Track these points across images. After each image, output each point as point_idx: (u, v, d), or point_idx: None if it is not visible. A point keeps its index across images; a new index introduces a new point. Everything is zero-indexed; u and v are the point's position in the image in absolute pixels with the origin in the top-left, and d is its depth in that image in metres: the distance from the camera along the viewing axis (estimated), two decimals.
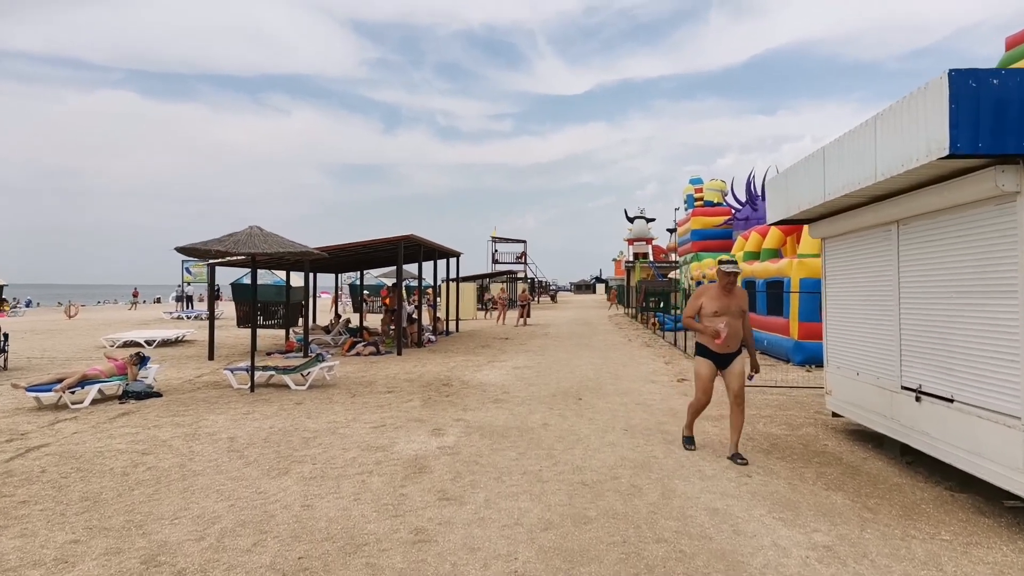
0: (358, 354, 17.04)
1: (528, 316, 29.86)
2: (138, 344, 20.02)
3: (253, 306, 11.85)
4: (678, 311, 22.43)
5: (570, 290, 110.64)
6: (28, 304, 54.10)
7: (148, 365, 11.46)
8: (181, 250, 10.59)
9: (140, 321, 31.86)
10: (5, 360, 14.61)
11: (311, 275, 27.05)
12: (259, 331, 25.91)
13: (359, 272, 28.33)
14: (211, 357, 16.40)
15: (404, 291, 20.76)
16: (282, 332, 23.59)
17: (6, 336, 14.95)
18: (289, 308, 21.09)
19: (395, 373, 13.55)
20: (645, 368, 14.20)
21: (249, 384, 11.40)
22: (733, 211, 31.60)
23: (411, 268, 30.61)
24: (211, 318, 16.69)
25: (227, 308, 41.19)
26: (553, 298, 67.10)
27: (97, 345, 19.92)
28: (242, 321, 27.42)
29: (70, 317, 34.94)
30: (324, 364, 11.94)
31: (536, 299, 58.05)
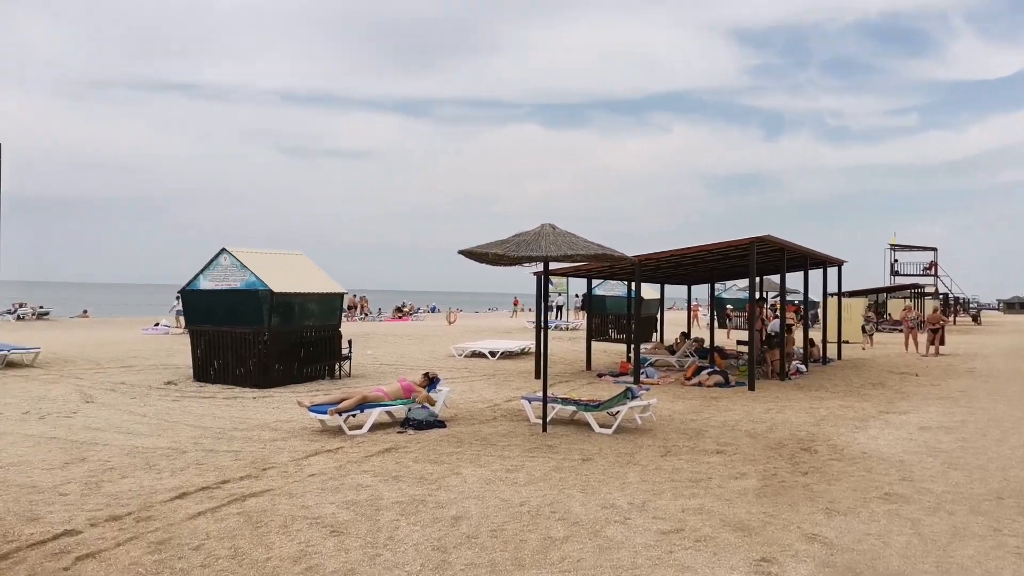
0: (700, 384, 13.84)
1: (942, 343, 23.02)
2: (481, 355, 19.63)
3: (542, 317, 9.57)
4: None
5: (997, 308, 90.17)
6: (433, 310, 61.73)
7: (438, 388, 9.96)
8: (463, 253, 8.80)
9: (505, 330, 32.88)
10: (349, 366, 14.85)
11: (659, 286, 24.43)
12: (606, 346, 24.18)
13: (710, 284, 24.89)
14: (537, 375, 14.79)
15: (767, 306, 16.89)
16: (628, 349, 21.42)
17: (350, 342, 15.24)
18: (640, 322, 18.82)
19: (736, 419, 10.10)
20: None
21: (542, 420, 9.14)
22: None
23: (775, 279, 26.04)
24: (542, 331, 15.13)
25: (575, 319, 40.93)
26: (975, 319, 54.14)
27: (446, 354, 20.05)
28: (595, 334, 26.11)
29: (450, 323, 37.91)
30: (634, 403, 9.12)
31: (952, 319, 47.06)
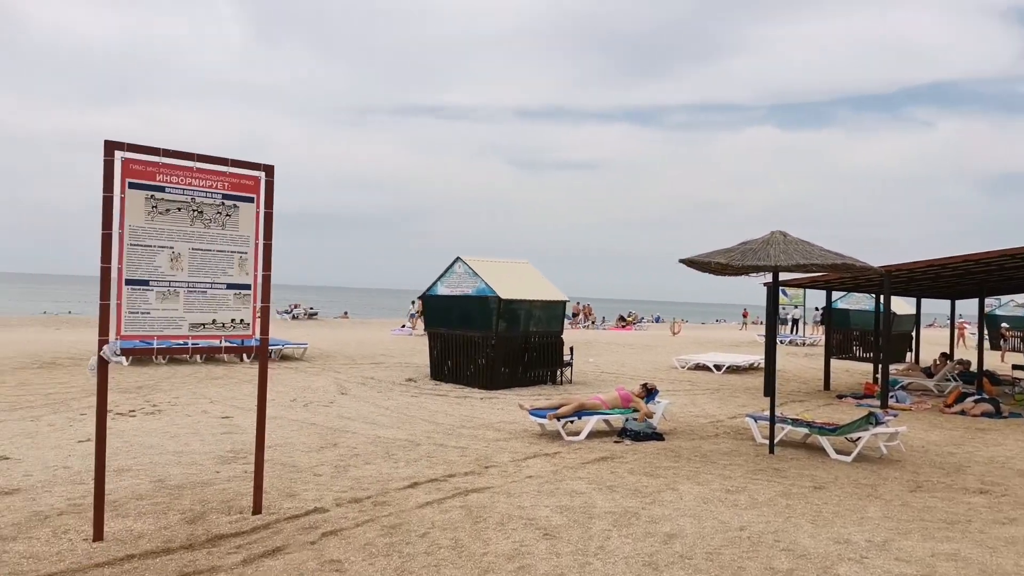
0: (963, 412, 12.10)
1: None
2: (706, 368, 18.92)
3: (772, 330, 8.93)
4: None
5: None
6: (657, 320, 60.77)
7: (656, 399, 9.76)
8: (685, 262, 8.54)
9: (733, 343, 31.38)
10: (571, 373, 15.11)
11: (914, 300, 21.82)
12: (849, 365, 22.09)
13: (979, 298, 21.57)
14: (767, 392, 13.91)
15: None
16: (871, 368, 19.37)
17: (571, 349, 15.50)
18: (889, 339, 16.93)
19: (1008, 456, 8.67)
20: None
21: (769, 441, 8.56)
22: None
23: None
24: (770, 346, 14.21)
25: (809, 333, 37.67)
26: None
27: (669, 365, 19.61)
28: (835, 351, 23.97)
29: (674, 334, 37.01)
30: (879, 429, 8.19)
31: None
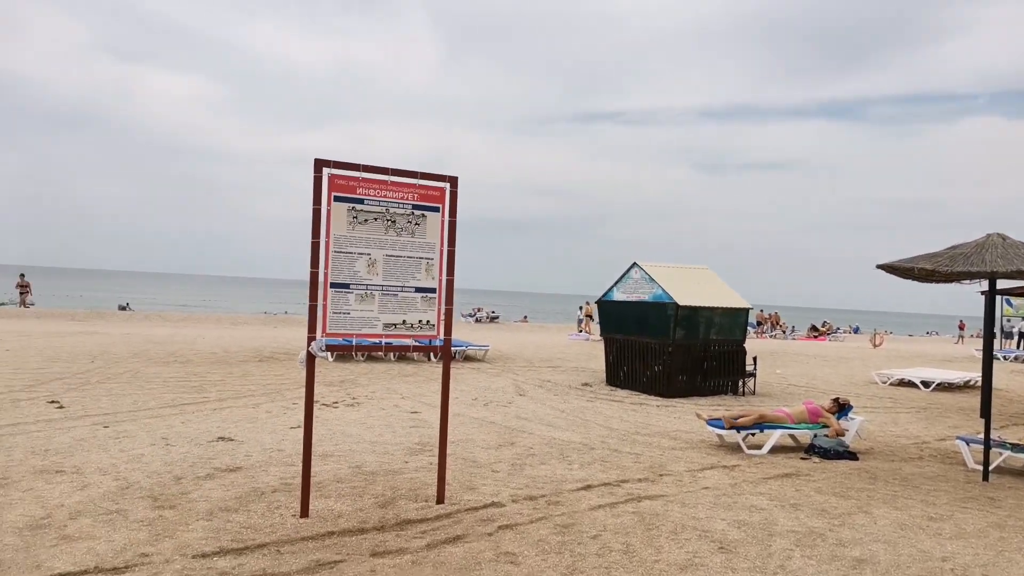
0: None
1: None
2: (911, 384, 17.23)
3: (990, 344, 7.98)
4: None
5: None
6: (856, 330, 56.18)
7: (850, 415, 9.08)
8: (884, 268, 7.90)
9: (945, 357, 28.26)
10: (754, 383, 14.46)
11: None
12: None
13: None
14: (983, 414, 12.42)
15: None
16: None
17: (755, 359, 14.82)
18: None
19: None
20: None
21: (983, 467, 7.66)
22: None
23: None
24: (987, 362, 12.64)
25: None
26: None
27: (867, 380, 18.10)
28: None
29: (875, 346, 34.02)
30: None
31: None
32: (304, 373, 5.53)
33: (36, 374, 12.36)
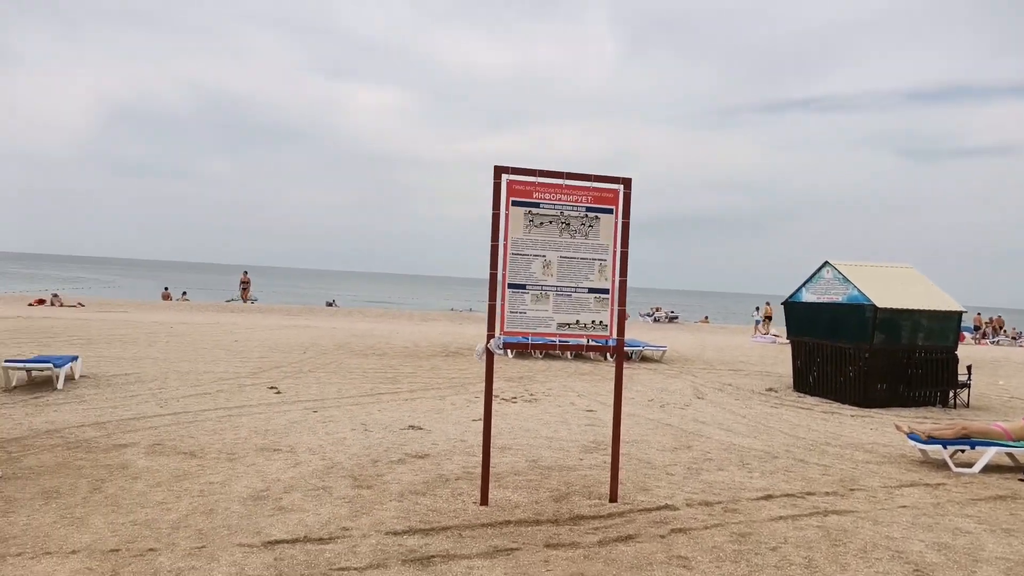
0: None
1: None
2: None
3: None
4: None
5: None
6: None
7: None
8: None
9: None
10: (968, 395, 13.02)
11: None
12: None
13: None
14: None
15: None
16: None
17: (969, 368, 13.32)
18: None
19: None
20: None
21: None
22: None
23: None
24: None
25: None
26: None
27: None
28: None
29: None
30: None
31: None
32: (483, 365, 5.85)
33: (258, 363, 14.02)
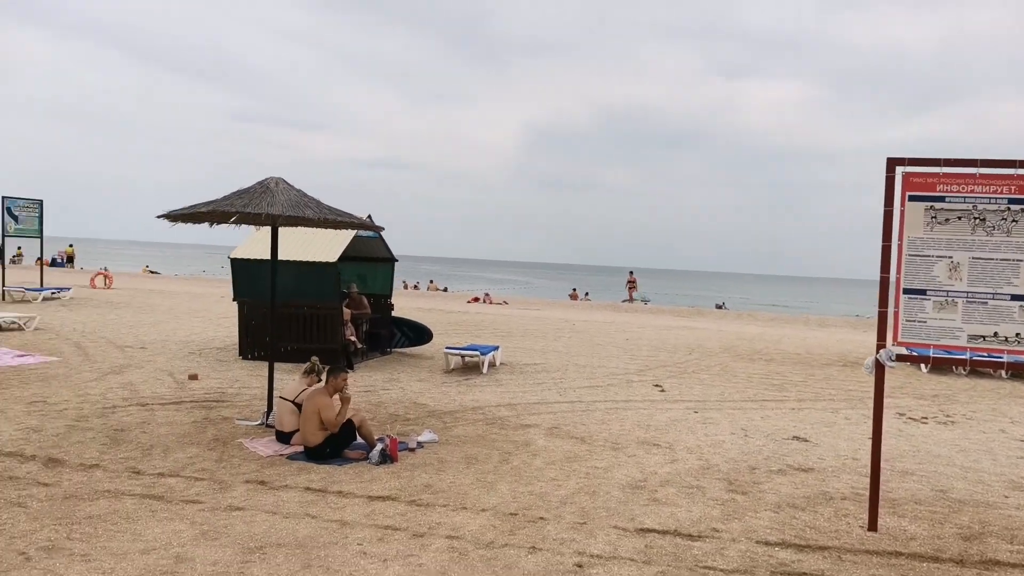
0: None
1: None
2: None
3: None
4: None
5: None
6: None
7: None
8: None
9: None
10: None
11: None
12: None
13: None
14: None
15: None
16: None
17: None
18: None
19: None
20: None
21: None
22: None
23: None
24: None
25: None
26: None
27: None
28: None
29: None
30: None
31: None
32: (873, 379, 5.32)
33: (646, 361, 14.68)
